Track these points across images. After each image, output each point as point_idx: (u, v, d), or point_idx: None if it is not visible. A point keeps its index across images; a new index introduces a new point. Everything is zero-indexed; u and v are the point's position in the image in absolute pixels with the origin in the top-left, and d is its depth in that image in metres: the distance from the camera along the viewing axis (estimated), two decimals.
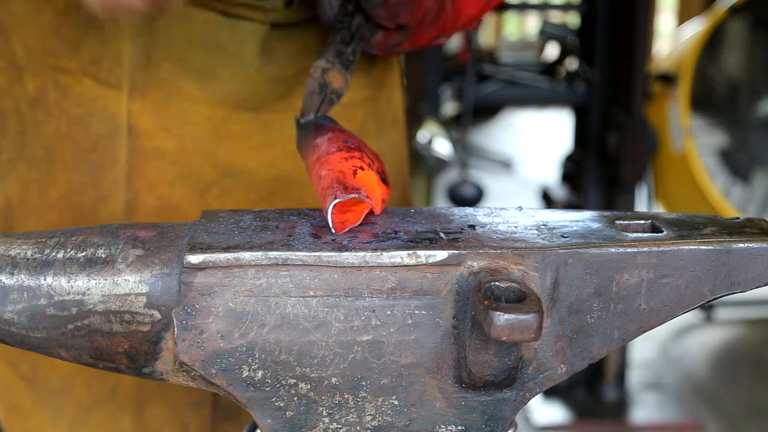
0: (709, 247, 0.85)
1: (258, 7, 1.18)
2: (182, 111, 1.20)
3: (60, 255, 0.83)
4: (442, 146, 3.39)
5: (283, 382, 0.83)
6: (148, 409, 1.24)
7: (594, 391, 3.65)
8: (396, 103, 1.39)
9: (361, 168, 0.91)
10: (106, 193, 1.20)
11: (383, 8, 1.09)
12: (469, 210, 0.94)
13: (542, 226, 0.88)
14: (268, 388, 0.83)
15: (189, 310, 0.81)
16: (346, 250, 0.81)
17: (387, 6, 1.09)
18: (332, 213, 0.85)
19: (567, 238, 0.85)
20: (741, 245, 0.86)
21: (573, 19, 4.21)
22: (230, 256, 0.80)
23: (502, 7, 4.33)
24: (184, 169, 1.21)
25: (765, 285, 0.88)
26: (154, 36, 1.18)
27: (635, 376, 3.83)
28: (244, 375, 0.82)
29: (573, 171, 3.68)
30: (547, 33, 3.81)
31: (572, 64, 3.72)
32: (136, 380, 1.22)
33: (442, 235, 0.85)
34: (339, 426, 0.84)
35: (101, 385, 1.23)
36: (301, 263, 0.80)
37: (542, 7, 4.18)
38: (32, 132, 1.22)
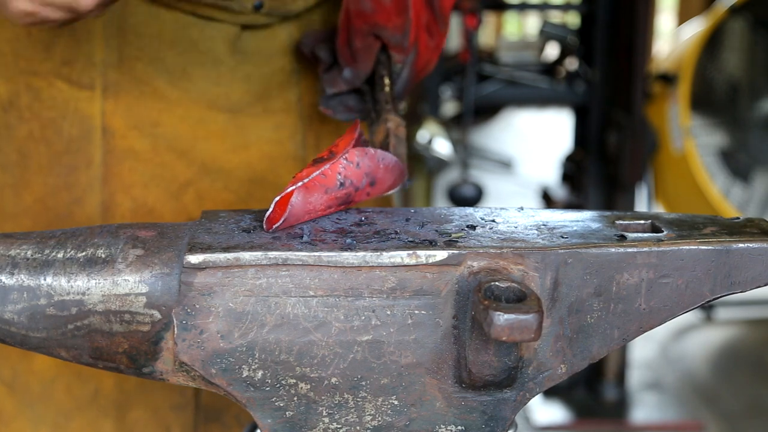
0: (709, 247, 0.85)
1: (225, 8, 1.17)
2: (156, 111, 1.20)
3: (60, 255, 0.83)
4: (442, 146, 3.39)
5: (283, 382, 0.83)
6: (129, 413, 1.22)
7: (594, 391, 3.64)
8: None
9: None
10: (81, 195, 1.19)
11: (360, 55, 1.15)
12: (469, 210, 0.94)
13: (542, 226, 0.88)
14: (268, 388, 0.83)
15: (189, 310, 0.81)
16: (346, 250, 0.81)
17: (360, 57, 1.15)
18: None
19: (567, 238, 0.85)
20: (741, 245, 0.86)
21: (573, 19, 4.21)
22: (230, 256, 0.80)
23: (502, 7, 4.34)
24: (159, 170, 1.21)
25: (765, 285, 0.88)
26: (125, 36, 1.17)
27: (635, 376, 3.83)
28: (244, 375, 0.82)
29: (573, 171, 3.68)
30: (547, 33, 3.80)
31: (572, 64, 3.72)
32: (118, 384, 1.21)
33: (442, 235, 0.85)
34: (339, 426, 0.84)
35: (82, 390, 1.22)
36: (301, 263, 0.80)
37: (542, 7, 4.18)
38: (5, 136, 1.21)
